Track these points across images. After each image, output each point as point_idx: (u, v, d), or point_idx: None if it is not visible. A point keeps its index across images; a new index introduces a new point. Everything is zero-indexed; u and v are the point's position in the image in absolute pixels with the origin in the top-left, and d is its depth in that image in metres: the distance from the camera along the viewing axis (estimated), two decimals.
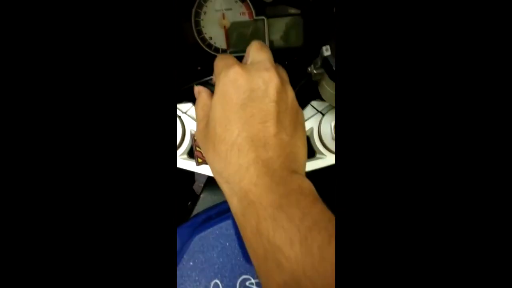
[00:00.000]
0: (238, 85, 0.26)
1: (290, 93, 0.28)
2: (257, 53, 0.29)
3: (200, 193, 0.44)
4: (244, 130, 0.25)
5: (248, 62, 0.29)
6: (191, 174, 0.62)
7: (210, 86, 0.34)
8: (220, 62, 0.30)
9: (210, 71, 0.40)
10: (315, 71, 0.31)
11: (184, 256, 0.32)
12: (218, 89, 0.27)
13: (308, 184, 0.25)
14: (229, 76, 0.26)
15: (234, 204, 0.25)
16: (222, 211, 0.37)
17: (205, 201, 0.42)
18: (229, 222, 0.34)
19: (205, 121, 0.29)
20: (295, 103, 0.29)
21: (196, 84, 0.35)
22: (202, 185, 0.60)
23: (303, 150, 0.28)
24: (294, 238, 0.21)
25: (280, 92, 0.27)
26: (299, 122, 0.29)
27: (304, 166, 0.29)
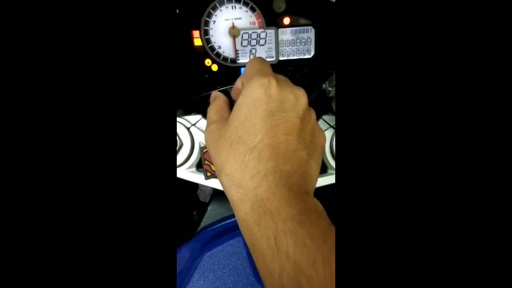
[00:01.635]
0: (271, 94, 0.26)
1: (313, 115, 0.29)
2: (262, 67, 0.29)
3: (208, 205, 0.43)
4: (268, 137, 0.25)
5: (248, 77, 0.29)
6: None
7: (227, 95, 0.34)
8: (255, 64, 0.29)
9: (217, 80, 0.40)
10: (329, 88, 0.31)
11: (195, 274, 0.32)
12: (248, 92, 0.26)
13: (322, 207, 0.24)
14: (263, 83, 0.26)
15: (245, 211, 0.24)
16: (231, 227, 0.36)
17: (213, 213, 0.42)
18: (239, 239, 0.33)
19: (220, 123, 0.29)
20: (316, 125, 0.29)
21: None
22: (204, 188, 0.59)
23: (316, 173, 0.28)
24: (317, 257, 0.20)
25: (306, 111, 0.27)
26: (318, 144, 0.29)
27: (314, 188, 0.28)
